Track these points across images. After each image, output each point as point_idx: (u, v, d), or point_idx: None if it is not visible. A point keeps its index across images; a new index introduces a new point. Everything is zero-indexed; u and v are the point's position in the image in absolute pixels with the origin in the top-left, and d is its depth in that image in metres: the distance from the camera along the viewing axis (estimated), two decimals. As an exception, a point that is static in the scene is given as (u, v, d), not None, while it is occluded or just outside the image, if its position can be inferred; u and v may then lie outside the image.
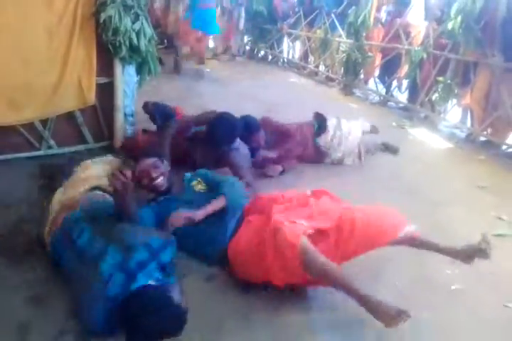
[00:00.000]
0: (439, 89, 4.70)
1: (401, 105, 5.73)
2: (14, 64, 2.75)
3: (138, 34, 3.07)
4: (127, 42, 3.03)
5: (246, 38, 9.51)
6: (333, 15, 6.86)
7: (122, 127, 3.32)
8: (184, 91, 5.75)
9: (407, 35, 5.59)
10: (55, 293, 1.89)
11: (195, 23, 6.25)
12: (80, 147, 3.27)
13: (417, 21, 5.73)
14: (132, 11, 3.01)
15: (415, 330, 1.79)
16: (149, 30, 3.14)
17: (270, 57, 9.10)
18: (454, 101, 4.85)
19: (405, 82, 5.76)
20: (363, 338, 1.77)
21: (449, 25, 4.39)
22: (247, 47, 9.66)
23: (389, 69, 6.07)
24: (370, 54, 6.05)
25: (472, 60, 4.38)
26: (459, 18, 4.27)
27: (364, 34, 6.01)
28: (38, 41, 2.80)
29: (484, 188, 3.31)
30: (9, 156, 3.01)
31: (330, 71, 7.22)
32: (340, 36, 6.71)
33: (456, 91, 4.59)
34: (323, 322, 1.84)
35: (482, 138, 4.41)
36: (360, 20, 5.85)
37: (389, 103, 5.91)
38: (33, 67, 2.82)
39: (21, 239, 2.24)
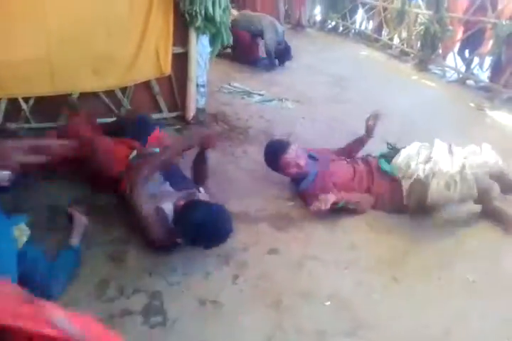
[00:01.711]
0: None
1: (482, 84, 5.33)
2: (98, 34, 2.84)
3: (213, 4, 3.05)
4: (203, 12, 3.02)
5: (318, 8, 9.17)
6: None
7: (194, 97, 3.38)
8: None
9: (494, 7, 5.13)
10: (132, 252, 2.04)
11: None
12: (156, 116, 3.38)
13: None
14: (209, -20, 2.99)
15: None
16: (224, 0, 3.11)
17: (341, 28, 8.75)
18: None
19: (488, 59, 5.33)
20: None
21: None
22: (318, 18, 9.33)
23: (471, 45, 5.65)
24: (450, 27, 5.63)
25: None
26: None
27: (446, 5, 5.59)
28: (119, 12, 2.87)
29: None
30: (90, 121, 3.18)
31: (405, 45, 6.84)
32: (419, 7, 6.29)
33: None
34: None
35: None
36: (443, -11, 5.44)
37: (468, 81, 5.52)
38: (115, 38, 2.90)
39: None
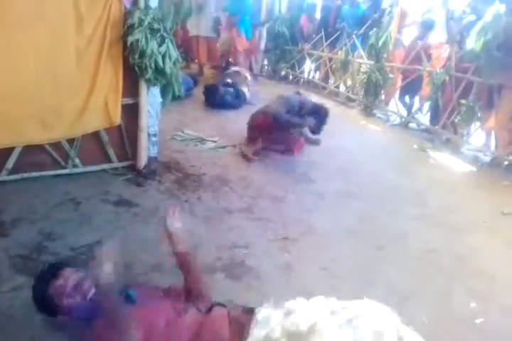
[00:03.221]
0: (462, 112, 4.64)
1: (423, 127, 5.68)
2: (46, 86, 2.84)
3: (163, 57, 3.13)
4: (153, 65, 3.09)
5: (266, 58, 9.62)
6: (354, 37, 6.92)
7: (145, 147, 3.37)
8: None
9: (428, 57, 5.59)
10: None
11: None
12: (104, 166, 3.33)
13: (439, 43, 5.75)
14: (158, 35, 3.09)
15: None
16: (174, 53, 3.21)
17: (291, 77, 9.18)
18: (478, 124, 4.79)
19: (427, 104, 5.72)
20: None
21: (471, 45, 4.39)
22: (267, 67, 9.78)
23: (409, 91, 6.06)
24: (391, 75, 6.05)
25: (496, 83, 4.34)
26: (481, 42, 4.28)
27: (385, 55, 6.03)
28: (68, 64, 2.89)
29: (509, 215, 3.23)
30: (36, 174, 3.08)
31: (350, 92, 7.24)
32: (361, 57, 6.75)
33: (479, 114, 4.54)
34: None
35: (507, 163, 4.32)
36: (381, 41, 5.89)
37: (410, 124, 5.87)
38: (63, 90, 2.90)
39: (44, 257, 2.28)
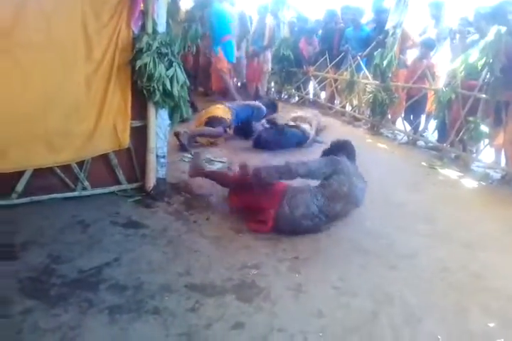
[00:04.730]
0: (470, 129, 4.63)
1: (431, 145, 5.67)
2: (54, 110, 2.88)
3: (171, 80, 3.19)
4: (161, 88, 3.14)
5: (273, 81, 9.77)
6: (359, 58, 7.02)
7: (154, 168, 3.39)
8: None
9: (432, 75, 5.64)
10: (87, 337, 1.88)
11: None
12: (113, 188, 3.34)
13: (443, 62, 5.82)
14: (166, 59, 3.15)
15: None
16: (182, 76, 3.27)
17: (297, 98, 9.30)
18: (486, 141, 4.76)
19: (433, 122, 5.72)
20: None
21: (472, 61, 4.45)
22: (273, 89, 9.91)
23: (415, 110, 6.08)
24: (397, 95, 6.09)
25: (503, 99, 4.34)
26: (482, 61, 4.34)
27: (390, 75, 6.09)
28: (77, 88, 2.94)
29: (524, 231, 3.17)
30: (45, 197, 3.10)
31: (357, 111, 7.29)
32: (366, 78, 6.82)
33: (487, 131, 4.52)
34: None
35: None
36: (386, 62, 5.96)
37: (418, 143, 5.86)
38: (71, 114, 2.95)
39: (53, 280, 2.26)
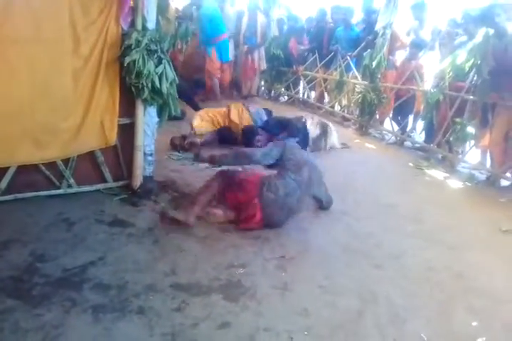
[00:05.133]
0: (457, 131, 4.67)
1: (418, 145, 5.71)
2: (41, 106, 2.84)
3: (160, 77, 3.15)
4: (150, 85, 3.11)
5: (263, 80, 9.76)
6: (348, 58, 7.04)
7: (141, 166, 3.36)
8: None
9: (421, 76, 5.68)
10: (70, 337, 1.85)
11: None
12: (99, 186, 3.30)
13: (431, 63, 5.86)
14: (155, 55, 3.12)
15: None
16: (171, 74, 3.24)
17: (286, 97, 9.31)
18: (472, 142, 4.81)
19: (421, 123, 5.77)
20: None
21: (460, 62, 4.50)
22: (263, 88, 9.91)
23: (402, 111, 6.12)
24: (385, 95, 6.13)
25: (490, 101, 4.39)
26: (470, 62, 4.39)
27: (379, 76, 6.12)
28: (64, 85, 2.90)
29: (508, 232, 3.21)
30: (29, 194, 3.05)
31: (346, 111, 7.32)
32: (355, 78, 6.85)
33: (473, 132, 4.57)
34: None
35: (502, 180, 4.33)
36: (375, 62, 5.99)
37: (405, 143, 5.90)
38: (58, 110, 2.91)
39: (36, 279, 2.22)
